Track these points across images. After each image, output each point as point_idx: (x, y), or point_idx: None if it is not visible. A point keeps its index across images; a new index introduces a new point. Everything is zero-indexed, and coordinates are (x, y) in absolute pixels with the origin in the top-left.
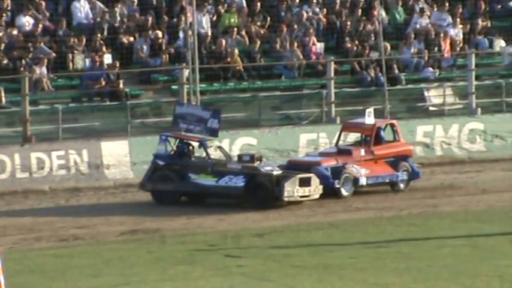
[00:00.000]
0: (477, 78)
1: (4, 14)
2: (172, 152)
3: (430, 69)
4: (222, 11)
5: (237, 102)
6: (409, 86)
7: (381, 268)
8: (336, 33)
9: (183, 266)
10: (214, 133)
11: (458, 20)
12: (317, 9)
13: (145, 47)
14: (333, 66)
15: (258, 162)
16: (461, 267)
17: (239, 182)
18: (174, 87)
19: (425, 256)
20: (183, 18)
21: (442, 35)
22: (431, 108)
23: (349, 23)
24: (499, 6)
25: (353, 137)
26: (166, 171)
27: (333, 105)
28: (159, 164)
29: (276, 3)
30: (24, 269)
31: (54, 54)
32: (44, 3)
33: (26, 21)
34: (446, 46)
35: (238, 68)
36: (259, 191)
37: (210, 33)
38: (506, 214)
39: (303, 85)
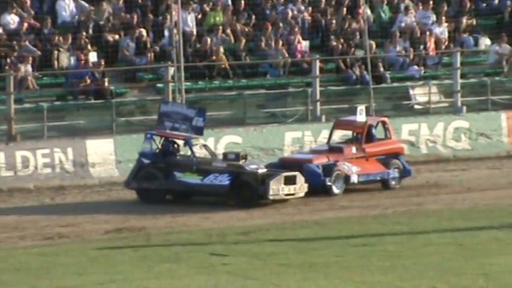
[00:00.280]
0: (462, 76)
1: None
2: (157, 150)
3: (415, 67)
4: (207, 9)
5: (222, 101)
6: (395, 84)
7: (366, 266)
8: (321, 32)
9: (168, 264)
10: (199, 131)
11: (443, 18)
12: (302, 8)
13: (130, 45)
14: (318, 64)
15: (243, 160)
16: (447, 266)
17: (224, 180)
18: (159, 85)
19: (410, 254)
20: (168, 17)
21: (427, 33)
22: (416, 107)
23: (334, 21)
24: (484, 5)
25: (339, 134)
26: (152, 169)
27: (318, 104)
28: (144, 162)
29: (261, 1)
30: (9, 267)
31: (39, 53)
32: (28, 2)
33: (11, 19)
34: (431, 44)
35: (223, 66)
36: (244, 189)
37: (195, 32)
38: (491, 212)
39: (288, 83)
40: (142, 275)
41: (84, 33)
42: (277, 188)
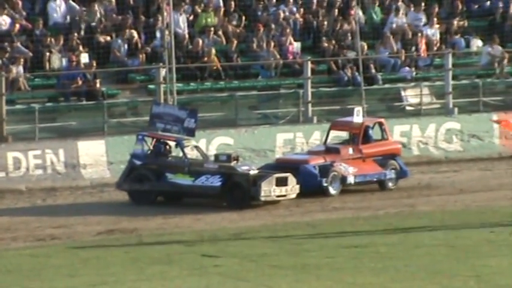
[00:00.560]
0: (454, 78)
1: None
2: (149, 152)
3: (407, 68)
4: (199, 10)
5: (214, 102)
6: (386, 85)
7: (358, 268)
8: (313, 33)
9: (159, 266)
10: (191, 133)
11: (435, 19)
12: (294, 9)
13: (122, 47)
14: (309, 65)
15: (235, 161)
16: (439, 267)
17: (216, 181)
18: (150, 86)
19: (402, 256)
20: (160, 18)
21: (419, 34)
22: (408, 108)
23: (325, 22)
24: (476, 6)
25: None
26: (143, 170)
27: (309, 105)
28: (136, 163)
29: (252, 2)
30: (1, 268)
31: (30, 54)
32: (20, 3)
33: (3, 20)
34: (422, 46)
35: (215, 67)
36: (236, 191)
37: (186, 33)
38: (483, 214)
39: (280, 85)
40: (134, 277)
41: (75, 35)
42: (268, 189)
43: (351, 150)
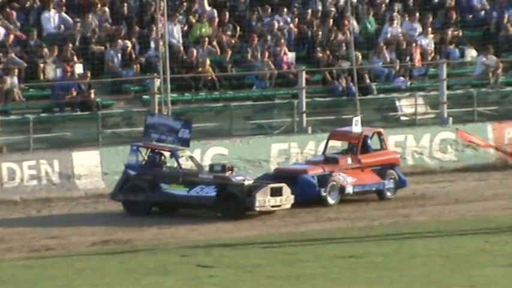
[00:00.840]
0: (449, 87)
1: None
2: (143, 162)
3: (402, 78)
4: (193, 21)
5: (209, 112)
6: (381, 95)
7: (352, 278)
8: (307, 43)
9: (155, 277)
10: (185, 143)
11: (429, 29)
12: (288, 19)
13: (116, 58)
14: (304, 76)
15: (230, 172)
16: (434, 277)
17: (210, 192)
18: (145, 97)
19: (397, 266)
20: (154, 28)
21: (413, 44)
22: (402, 118)
23: (320, 32)
24: (470, 16)
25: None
26: (138, 181)
27: (304, 115)
28: (131, 174)
29: (247, 13)
30: None
31: (25, 64)
32: (14, 14)
33: None
34: (417, 56)
35: (209, 77)
36: (231, 201)
37: (181, 43)
38: (478, 224)
39: (275, 95)
40: (130, 287)
41: (70, 45)
42: (263, 199)
43: (349, 160)
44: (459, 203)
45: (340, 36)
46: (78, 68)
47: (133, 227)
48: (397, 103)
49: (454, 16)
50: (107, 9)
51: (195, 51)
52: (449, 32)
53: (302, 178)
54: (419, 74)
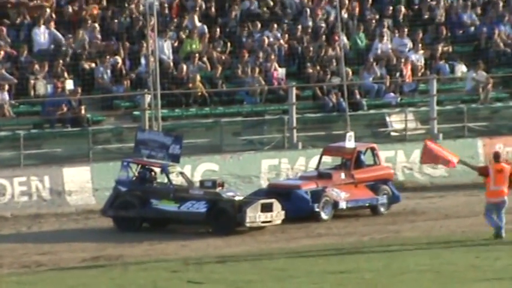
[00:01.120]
0: (439, 103)
1: None
2: (134, 178)
3: (392, 94)
4: (184, 37)
5: (199, 128)
6: (371, 111)
7: None
8: (298, 59)
9: None
10: (176, 159)
11: (419, 45)
12: (278, 35)
13: (106, 74)
14: (294, 91)
15: (220, 188)
16: None
17: (201, 207)
18: (135, 113)
19: (387, 282)
20: (144, 44)
21: (403, 60)
22: (393, 134)
23: (310, 48)
24: (460, 32)
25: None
26: (128, 197)
27: (294, 131)
28: (121, 190)
29: (237, 29)
30: None
31: (15, 80)
32: (5, 30)
33: None
34: (407, 71)
35: (200, 93)
36: (221, 217)
37: (171, 59)
38: (468, 239)
39: (265, 111)
40: None
41: (60, 61)
42: (254, 215)
43: (343, 175)
44: (449, 218)
45: (330, 52)
46: (69, 84)
47: (123, 243)
48: (387, 119)
49: (444, 32)
50: (97, 25)
51: (185, 67)
52: (440, 48)
53: (295, 194)
54: (409, 90)
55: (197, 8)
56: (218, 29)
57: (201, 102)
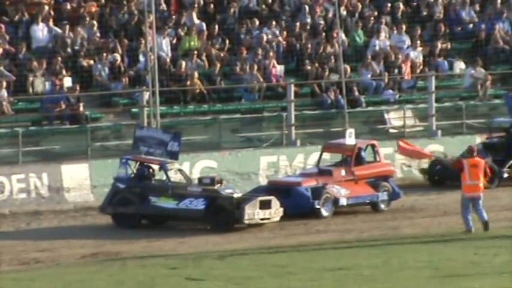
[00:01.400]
0: (437, 100)
1: None
2: (132, 175)
3: (390, 91)
4: (182, 34)
5: (198, 125)
6: (370, 108)
7: None
8: (296, 56)
9: None
10: (174, 156)
11: (418, 42)
12: (277, 32)
13: (104, 71)
14: (293, 88)
15: (219, 185)
16: None
17: (199, 204)
18: (134, 110)
19: (386, 278)
20: (143, 41)
21: (401, 57)
22: (391, 131)
23: (309, 45)
24: (459, 28)
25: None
26: (127, 194)
27: (293, 128)
28: (120, 187)
29: (235, 26)
30: None
31: (14, 78)
32: (3, 27)
33: None
34: (406, 68)
35: (198, 90)
36: (220, 214)
37: (170, 56)
38: (466, 236)
39: (263, 108)
40: None
41: (59, 58)
42: (252, 212)
43: (343, 172)
44: (448, 215)
45: (328, 49)
46: (67, 81)
47: (122, 239)
48: (386, 116)
49: (443, 28)
50: (95, 22)
51: (183, 64)
52: (438, 45)
53: (296, 190)
54: (407, 87)
55: (195, 5)
56: (216, 26)
57: (200, 99)
